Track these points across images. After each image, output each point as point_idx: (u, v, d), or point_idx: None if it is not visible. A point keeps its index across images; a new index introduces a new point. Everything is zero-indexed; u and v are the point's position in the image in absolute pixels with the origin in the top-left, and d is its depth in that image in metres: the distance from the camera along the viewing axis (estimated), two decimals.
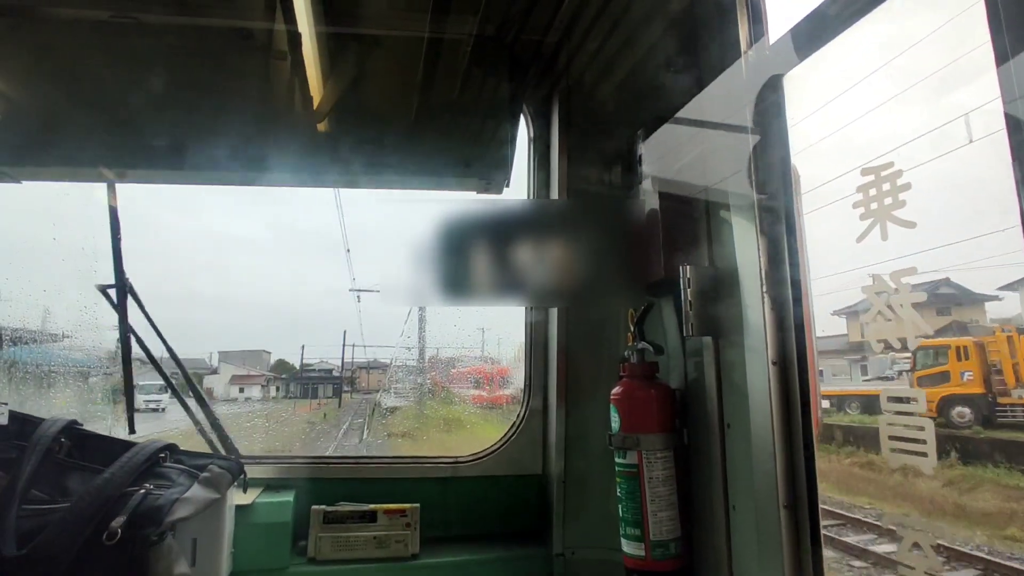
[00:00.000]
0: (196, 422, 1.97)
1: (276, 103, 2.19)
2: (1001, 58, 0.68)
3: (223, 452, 1.95)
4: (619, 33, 1.89)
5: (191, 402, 1.99)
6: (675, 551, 1.50)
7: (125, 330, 1.98)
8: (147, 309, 1.99)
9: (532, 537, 2.02)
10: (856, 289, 1.02)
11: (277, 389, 12.63)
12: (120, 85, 2.11)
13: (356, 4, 1.95)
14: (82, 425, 1.55)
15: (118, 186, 2.12)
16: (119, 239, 1.99)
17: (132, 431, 1.99)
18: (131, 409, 2.01)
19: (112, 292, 1.97)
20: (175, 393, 2.02)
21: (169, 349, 2.02)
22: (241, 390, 12.17)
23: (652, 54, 1.82)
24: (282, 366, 13.06)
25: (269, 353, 13.15)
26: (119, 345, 2.00)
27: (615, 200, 1.96)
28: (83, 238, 2.26)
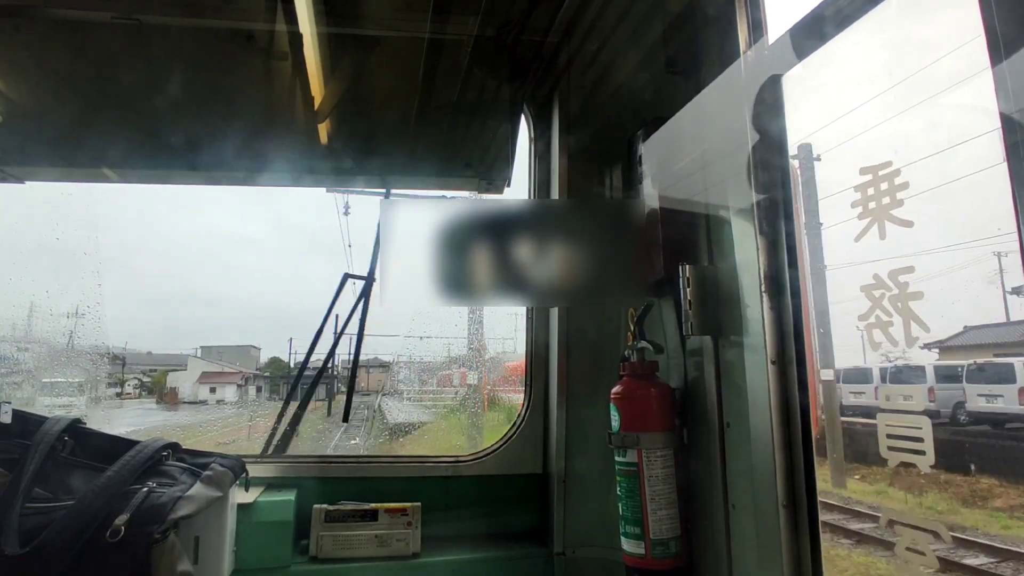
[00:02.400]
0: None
1: (277, 104, 2.20)
2: (995, 59, 0.68)
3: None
4: (619, 34, 1.89)
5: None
6: (675, 549, 1.50)
7: (362, 323, 2.11)
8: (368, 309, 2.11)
9: (532, 536, 2.03)
10: None
11: (259, 390, 10.91)
12: (122, 86, 2.12)
13: (357, 5, 1.96)
14: (85, 424, 1.56)
15: (119, 187, 2.14)
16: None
17: (346, 420, 2.17)
18: (349, 401, 2.20)
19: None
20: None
21: (356, 351, 2.16)
22: (212, 390, 10.05)
23: (652, 55, 1.83)
24: (276, 364, 11.75)
25: (258, 349, 11.66)
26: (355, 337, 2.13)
27: (615, 200, 1.97)
28: (86, 238, 2.27)
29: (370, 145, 2.24)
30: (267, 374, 11.34)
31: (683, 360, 1.64)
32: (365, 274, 2.09)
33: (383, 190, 2.36)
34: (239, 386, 10.48)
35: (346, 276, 2.07)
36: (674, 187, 1.61)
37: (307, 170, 2.22)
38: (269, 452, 2.07)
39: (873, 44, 1.11)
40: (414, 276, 1.65)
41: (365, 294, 2.08)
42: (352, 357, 2.21)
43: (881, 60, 1.11)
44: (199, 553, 1.51)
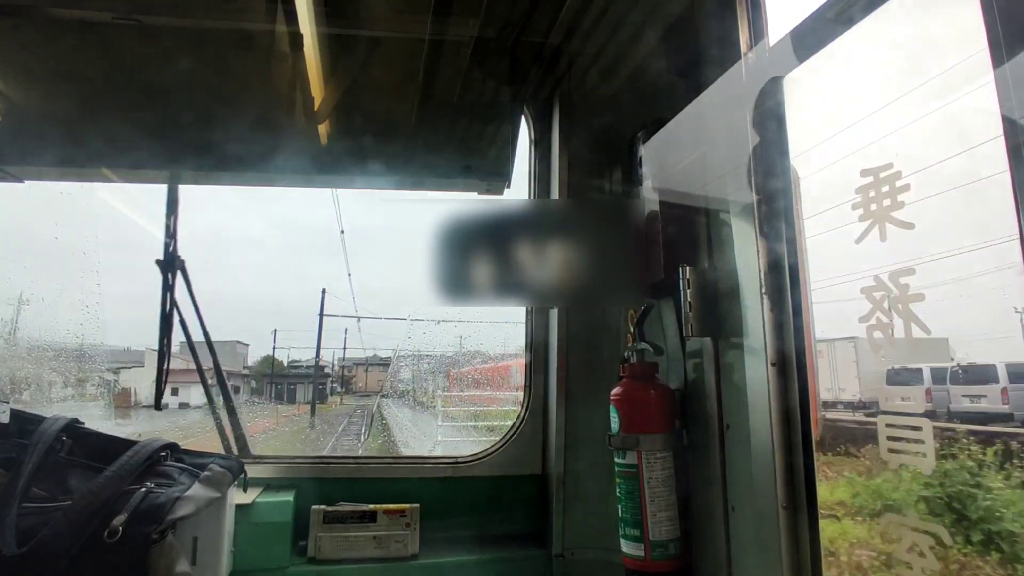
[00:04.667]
0: (216, 419, 2.03)
1: (277, 104, 2.20)
2: (997, 60, 0.68)
3: (235, 451, 2.00)
4: (619, 35, 1.89)
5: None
6: (674, 551, 1.50)
7: (168, 305, 2.06)
8: (193, 289, 2.09)
9: (532, 537, 2.02)
10: None
11: (236, 391, 9.66)
12: (122, 87, 2.12)
13: (357, 6, 1.96)
14: (83, 424, 1.55)
15: (118, 186, 2.15)
16: (175, 217, 2.13)
17: (159, 408, 2.10)
18: (160, 387, 2.12)
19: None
20: (203, 382, 2.08)
21: (205, 333, 2.11)
22: (174, 392, 6.98)
23: (652, 56, 1.83)
24: (269, 363, 10.55)
25: (246, 345, 10.07)
26: (160, 321, 2.07)
27: (615, 201, 1.97)
28: (84, 238, 2.27)
29: (370, 146, 2.24)
30: (246, 373, 10.08)
31: (683, 362, 1.64)
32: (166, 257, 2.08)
33: (382, 190, 2.36)
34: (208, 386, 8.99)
35: (157, 262, 2.06)
36: (674, 189, 1.61)
37: (307, 170, 2.22)
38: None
39: (875, 44, 1.11)
40: (415, 276, 1.65)
41: (182, 275, 2.07)
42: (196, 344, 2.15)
43: (883, 60, 1.11)
44: (197, 554, 1.50)
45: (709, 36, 1.52)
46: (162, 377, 2.09)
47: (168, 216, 2.13)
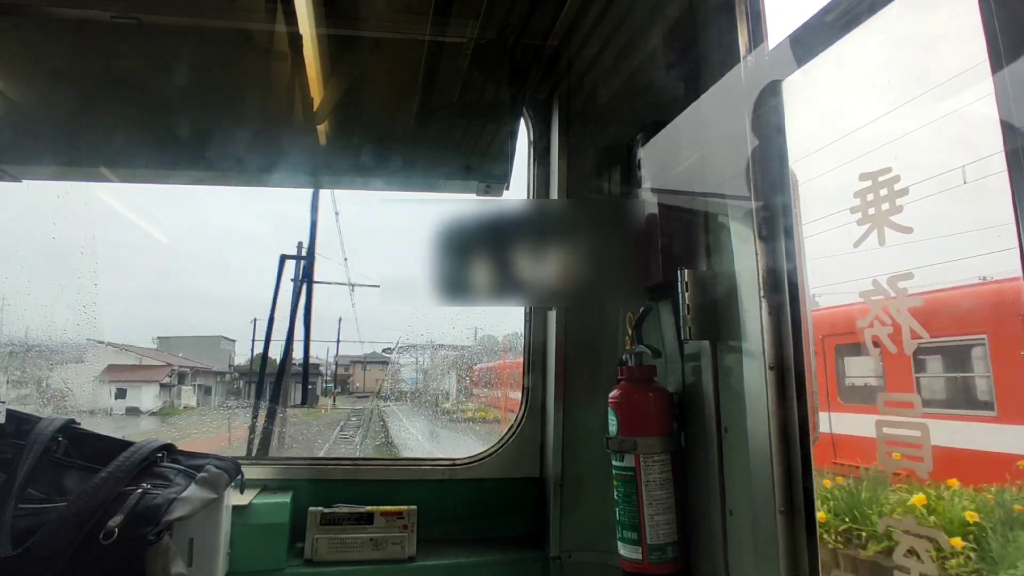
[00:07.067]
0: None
1: (277, 104, 2.20)
2: (996, 63, 0.68)
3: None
4: (619, 37, 1.90)
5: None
6: (672, 555, 1.50)
7: (308, 305, 2.19)
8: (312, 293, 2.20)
9: (529, 540, 2.02)
10: None
11: (207, 391, 8.12)
12: (121, 86, 2.12)
13: (357, 6, 1.96)
14: (80, 424, 1.55)
15: (117, 186, 2.15)
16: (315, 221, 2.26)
17: (304, 403, 2.13)
18: (305, 383, 2.15)
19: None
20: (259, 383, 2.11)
21: (307, 335, 2.21)
22: (121, 394, 6.50)
23: (651, 59, 1.83)
24: (256, 358, 9.51)
25: (233, 341, 8.99)
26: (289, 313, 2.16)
27: (614, 203, 1.96)
28: (83, 238, 2.27)
29: (369, 147, 2.24)
30: (231, 371, 9.00)
31: (681, 365, 1.63)
32: (303, 253, 2.12)
33: (381, 191, 2.36)
34: (163, 386, 7.07)
35: (283, 258, 2.09)
36: (673, 191, 1.61)
37: (305, 171, 2.22)
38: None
39: (874, 46, 1.11)
40: (414, 277, 1.65)
41: (308, 275, 2.11)
42: (304, 342, 2.18)
43: (881, 62, 1.11)
44: (193, 555, 1.50)
45: (708, 39, 1.52)
46: (306, 372, 2.12)
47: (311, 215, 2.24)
